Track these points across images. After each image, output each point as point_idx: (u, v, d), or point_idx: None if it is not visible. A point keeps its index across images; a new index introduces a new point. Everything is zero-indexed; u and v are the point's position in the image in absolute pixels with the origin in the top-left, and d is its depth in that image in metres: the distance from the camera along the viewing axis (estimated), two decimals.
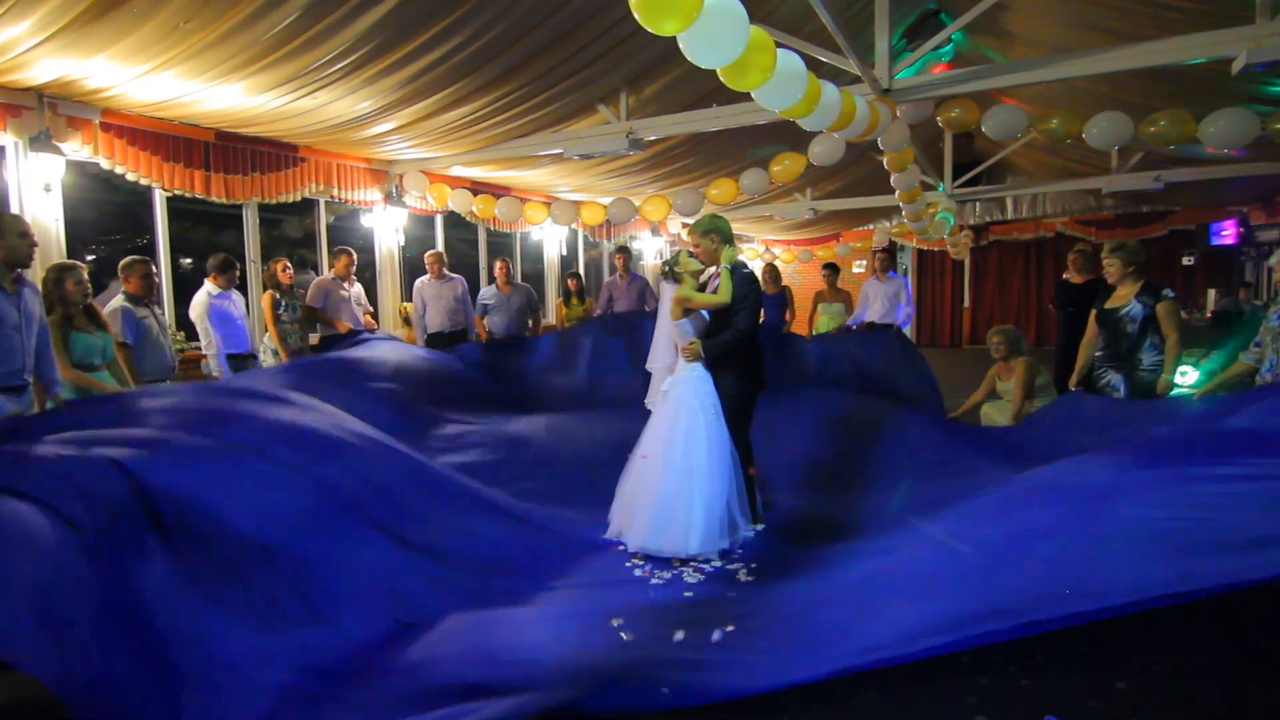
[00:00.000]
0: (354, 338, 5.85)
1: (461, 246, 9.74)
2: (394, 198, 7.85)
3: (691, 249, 3.96)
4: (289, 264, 5.89)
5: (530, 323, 7.17)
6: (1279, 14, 4.33)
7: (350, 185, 7.33)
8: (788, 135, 6.74)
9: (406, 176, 7.78)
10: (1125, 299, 4.28)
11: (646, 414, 3.89)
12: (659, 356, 3.99)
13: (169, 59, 4.30)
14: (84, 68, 4.34)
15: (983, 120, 6.16)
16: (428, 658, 2.39)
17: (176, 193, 5.77)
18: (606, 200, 8.65)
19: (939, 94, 5.50)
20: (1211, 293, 12.32)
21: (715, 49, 2.95)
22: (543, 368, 6.27)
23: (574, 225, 9.39)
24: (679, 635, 2.47)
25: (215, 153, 5.95)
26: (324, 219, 7.56)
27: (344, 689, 2.31)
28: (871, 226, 15.34)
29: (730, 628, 2.47)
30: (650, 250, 12.95)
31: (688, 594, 3.09)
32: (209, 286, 5.26)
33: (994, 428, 5.23)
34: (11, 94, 4.66)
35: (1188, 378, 4.11)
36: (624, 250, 7.86)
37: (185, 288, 6.44)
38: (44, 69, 4.33)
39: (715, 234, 3.84)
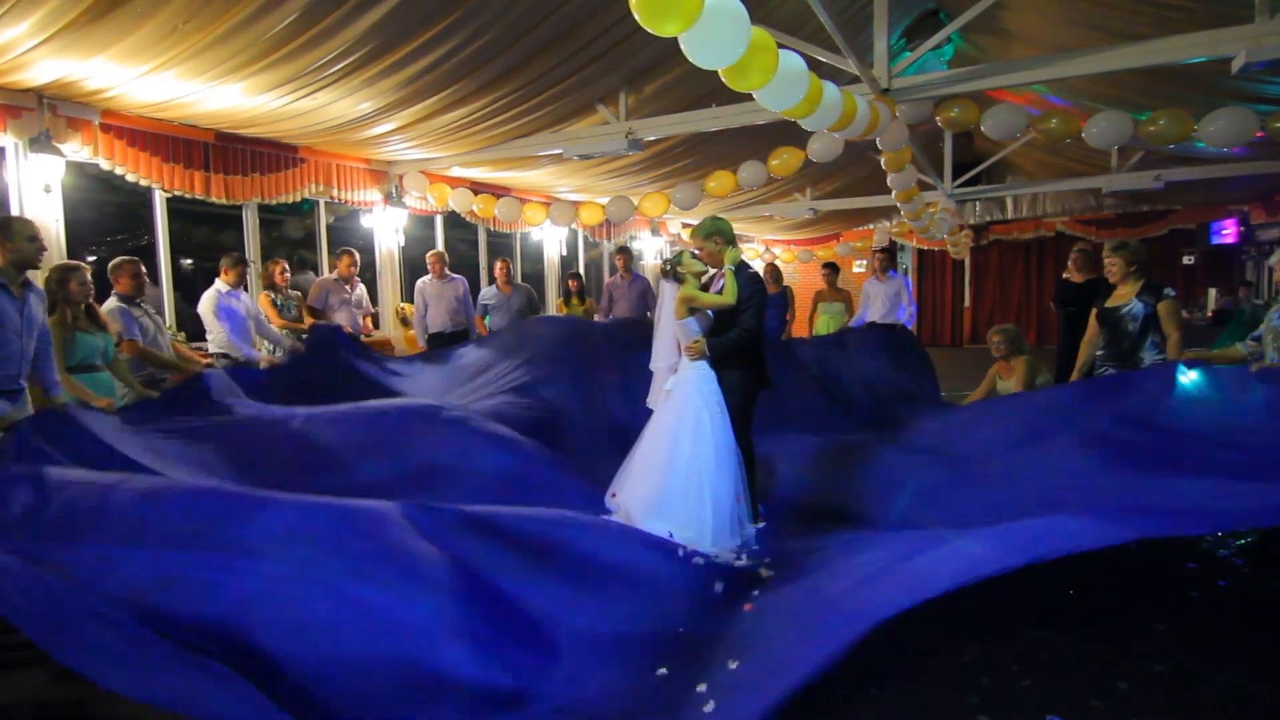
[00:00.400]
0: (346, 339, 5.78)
1: (461, 247, 9.74)
2: (394, 198, 7.85)
3: (695, 250, 3.96)
4: (286, 266, 5.90)
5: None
6: (1278, 13, 4.33)
7: (350, 186, 7.33)
8: (787, 134, 6.74)
9: (406, 177, 7.78)
10: (1126, 298, 4.28)
11: (648, 412, 3.90)
12: (661, 356, 3.99)
13: (169, 60, 4.30)
14: (84, 69, 4.35)
15: (982, 120, 6.16)
16: None
17: (176, 193, 5.77)
18: (605, 200, 8.65)
19: (938, 94, 5.51)
20: (1212, 292, 12.33)
21: (716, 50, 2.95)
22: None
23: (573, 226, 9.39)
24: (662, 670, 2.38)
25: (215, 153, 5.96)
26: (324, 219, 7.56)
27: None
28: (871, 226, 15.35)
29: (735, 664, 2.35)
30: (650, 250, 12.94)
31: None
32: (219, 284, 5.31)
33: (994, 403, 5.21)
34: (11, 95, 4.66)
35: (1188, 377, 4.11)
36: (625, 251, 7.86)
37: (186, 288, 6.45)
38: (44, 70, 4.34)
39: (719, 235, 3.85)
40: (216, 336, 5.23)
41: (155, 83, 4.63)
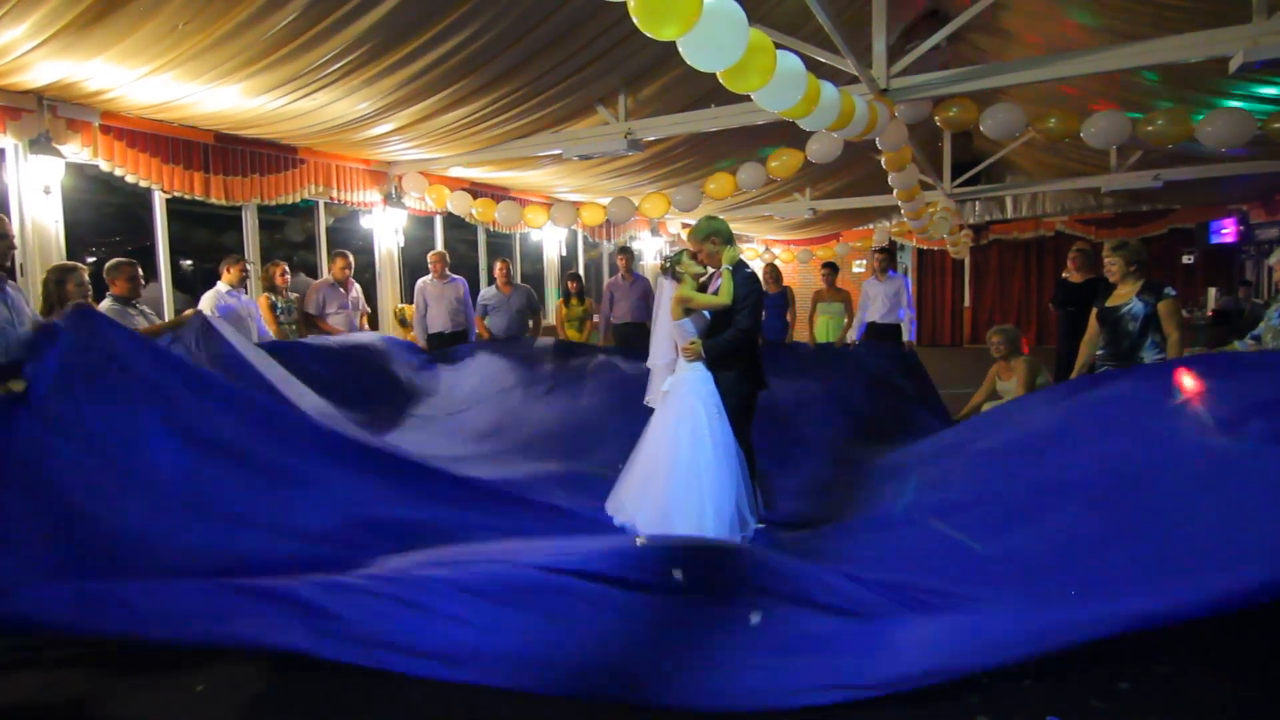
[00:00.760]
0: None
1: (461, 247, 9.74)
2: (393, 199, 7.85)
3: (693, 251, 3.96)
4: (287, 268, 5.91)
5: (530, 323, 7.17)
6: (1276, 13, 4.33)
7: (349, 186, 7.33)
8: (786, 134, 6.74)
9: (406, 178, 7.78)
10: (1126, 297, 4.28)
11: (648, 411, 3.91)
12: (659, 354, 4.00)
13: (168, 61, 4.30)
14: (83, 70, 4.35)
15: (981, 119, 6.16)
16: None
17: (176, 194, 5.77)
18: (606, 201, 8.65)
19: (937, 93, 5.50)
20: (1212, 291, 12.32)
21: (715, 52, 2.94)
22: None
23: (573, 226, 9.39)
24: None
25: (215, 154, 5.96)
26: (323, 220, 7.56)
27: None
28: (871, 226, 15.35)
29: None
30: (650, 250, 12.95)
31: None
32: (220, 285, 5.35)
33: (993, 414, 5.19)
34: (11, 96, 4.66)
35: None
36: (626, 251, 7.86)
37: (186, 289, 6.45)
38: (43, 71, 4.34)
39: (715, 236, 3.85)
40: None
41: (155, 84, 4.63)
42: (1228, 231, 12.95)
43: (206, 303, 5.28)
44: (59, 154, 4.92)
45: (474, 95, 5.60)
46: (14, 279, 3.47)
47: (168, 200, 5.95)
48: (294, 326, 5.87)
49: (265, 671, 2.54)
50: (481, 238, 9.69)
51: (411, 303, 7.16)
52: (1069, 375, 4.80)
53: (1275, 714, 2.26)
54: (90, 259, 6.52)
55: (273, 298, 5.76)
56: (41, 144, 4.79)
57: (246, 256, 6.30)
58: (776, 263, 11.74)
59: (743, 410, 3.79)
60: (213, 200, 6.01)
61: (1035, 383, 5.31)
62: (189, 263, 7.55)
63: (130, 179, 5.40)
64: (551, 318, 9.24)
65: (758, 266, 12.67)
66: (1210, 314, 11.51)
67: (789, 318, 7.70)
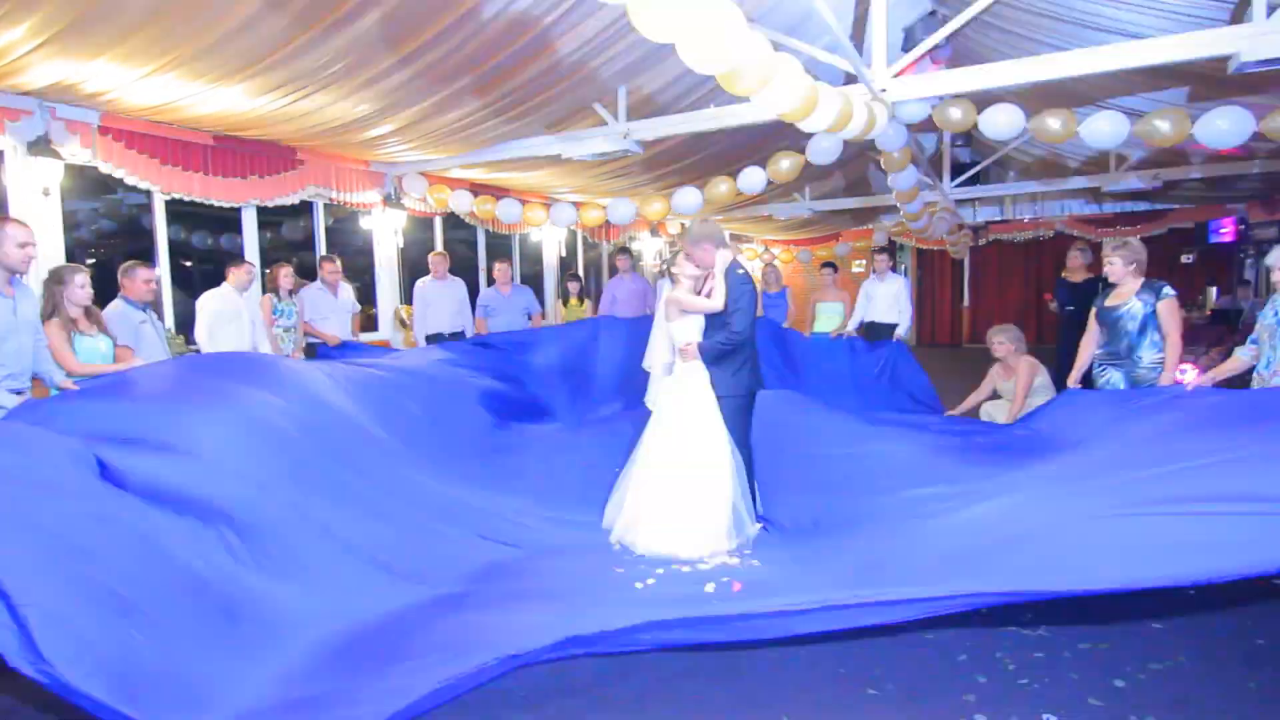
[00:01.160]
0: (340, 351, 5.81)
1: (460, 248, 9.74)
2: (392, 200, 7.85)
3: (688, 255, 3.96)
4: (290, 270, 5.90)
5: (530, 324, 7.18)
6: (1275, 12, 4.33)
7: (349, 187, 7.33)
8: (785, 134, 6.75)
9: (405, 179, 7.79)
10: (1126, 297, 4.29)
11: (647, 413, 3.91)
12: (656, 355, 4.00)
13: (167, 62, 4.30)
14: (82, 71, 4.35)
15: (980, 120, 6.14)
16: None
17: (175, 196, 5.78)
18: (605, 201, 8.65)
19: (936, 94, 5.50)
20: (1211, 290, 12.33)
21: (712, 55, 2.95)
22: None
23: (573, 226, 9.39)
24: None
25: (214, 155, 5.96)
26: (322, 221, 7.56)
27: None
28: (871, 226, 15.35)
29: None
30: (650, 250, 12.95)
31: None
32: (223, 285, 5.40)
33: (990, 424, 5.22)
34: (10, 98, 4.66)
35: (1187, 376, 4.11)
36: (626, 251, 7.87)
37: (186, 290, 6.45)
38: (42, 73, 4.34)
39: (706, 242, 3.83)
40: (205, 337, 5.28)
41: (154, 85, 4.63)
42: (1226, 231, 12.96)
43: (205, 304, 5.29)
44: (58, 155, 4.93)
45: (473, 96, 5.60)
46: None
47: (167, 201, 5.96)
48: (292, 330, 5.87)
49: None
50: (481, 238, 9.69)
51: (411, 303, 7.16)
52: (1068, 375, 4.81)
53: (1269, 712, 2.27)
54: (90, 261, 6.53)
55: (275, 300, 5.76)
56: (40, 145, 4.80)
57: (246, 258, 6.30)
58: (776, 263, 11.75)
59: (741, 411, 3.79)
60: (212, 201, 6.02)
61: (1035, 383, 5.31)
62: (188, 264, 7.55)
63: (129, 180, 5.40)
64: (551, 318, 9.24)
65: (757, 266, 12.69)
66: (1209, 313, 11.51)
67: (788, 317, 7.72)
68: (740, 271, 3.81)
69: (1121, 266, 4.31)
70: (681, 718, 2.37)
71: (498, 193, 8.94)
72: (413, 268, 8.11)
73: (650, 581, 3.02)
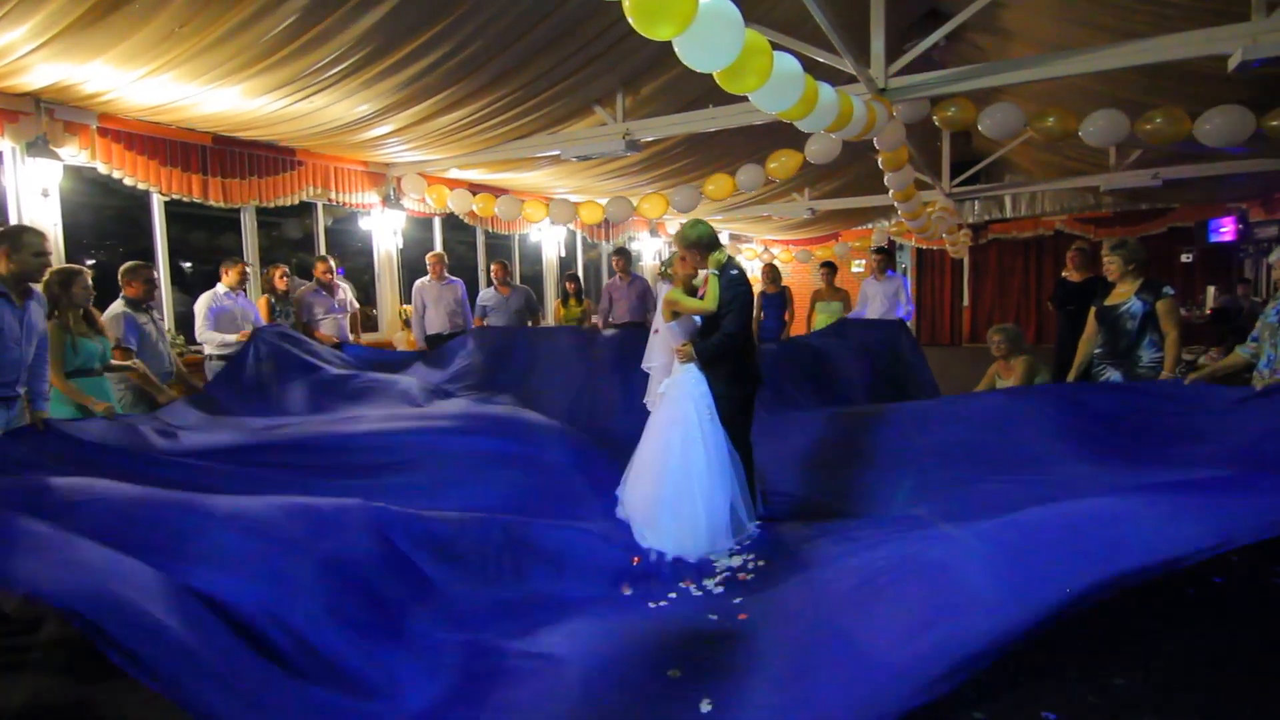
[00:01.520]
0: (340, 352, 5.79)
1: (460, 248, 9.74)
2: (392, 200, 7.85)
3: (683, 257, 3.95)
4: (287, 270, 5.90)
5: (529, 324, 7.18)
6: (1275, 10, 4.33)
7: (348, 188, 7.34)
8: (784, 135, 6.75)
9: (404, 179, 7.79)
10: (1125, 296, 4.29)
11: (646, 413, 3.92)
12: (655, 355, 4.01)
13: (166, 63, 4.30)
14: (81, 72, 4.35)
15: (979, 119, 6.15)
16: None
17: (174, 196, 5.78)
18: (604, 200, 8.65)
19: (935, 93, 5.50)
20: (1211, 290, 12.32)
21: (710, 53, 2.95)
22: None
23: (572, 226, 9.39)
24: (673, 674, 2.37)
25: (213, 156, 5.96)
26: (322, 222, 7.57)
27: None
28: (870, 225, 15.35)
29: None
30: (649, 251, 12.95)
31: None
32: (219, 287, 5.39)
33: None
34: (9, 99, 4.66)
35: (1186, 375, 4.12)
36: (623, 252, 7.87)
37: (186, 291, 6.45)
38: (41, 74, 4.34)
39: (698, 245, 3.81)
40: (203, 335, 5.30)
41: (153, 86, 4.63)
42: (1226, 230, 12.95)
43: (202, 304, 5.30)
44: (57, 156, 4.93)
45: (472, 96, 5.60)
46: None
47: (166, 202, 5.96)
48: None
49: None
50: (480, 239, 9.69)
51: (410, 304, 7.16)
52: (1068, 374, 4.81)
53: (1268, 710, 2.27)
54: (89, 262, 6.52)
55: (272, 301, 5.77)
56: (39, 146, 4.80)
57: (246, 258, 6.31)
58: (775, 263, 11.75)
59: (738, 411, 3.79)
60: (211, 202, 6.01)
61: (1034, 382, 5.31)
62: (188, 264, 7.54)
63: (128, 181, 5.41)
64: (550, 318, 9.25)
65: (757, 266, 12.69)
66: (1209, 312, 11.50)
67: (787, 317, 7.72)
68: (734, 272, 3.79)
69: (1120, 266, 4.31)
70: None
71: (497, 193, 8.94)
72: (412, 268, 8.11)
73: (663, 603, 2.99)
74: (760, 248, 16.14)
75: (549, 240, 10.70)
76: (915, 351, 6.49)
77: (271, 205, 6.58)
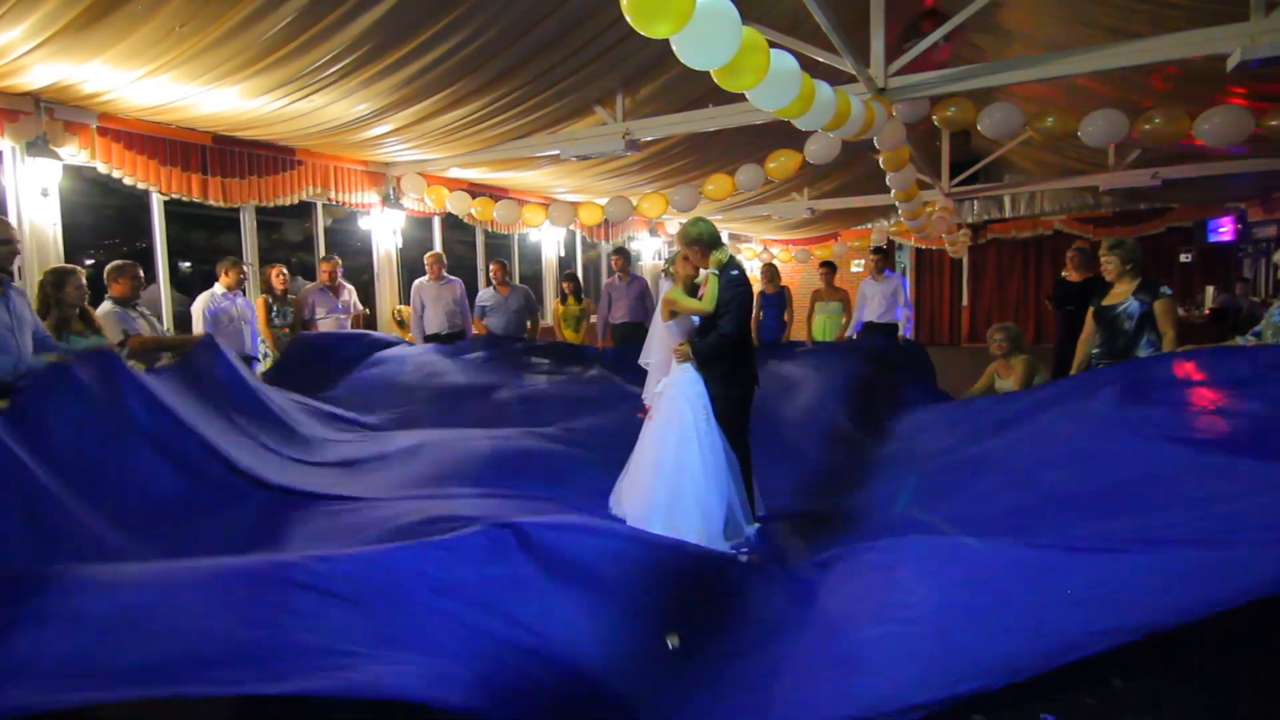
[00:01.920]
0: None
1: (459, 248, 9.74)
2: (391, 200, 7.85)
3: (685, 256, 3.96)
4: (285, 270, 5.91)
5: (529, 324, 7.18)
6: (1274, 10, 4.33)
7: (347, 188, 7.33)
8: (784, 135, 6.75)
9: (404, 179, 7.79)
10: (1123, 296, 4.29)
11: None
12: (654, 352, 4.01)
13: (166, 62, 4.30)
14: (81, 72, 4.35)
15: (979, 119, 6.15)
16: None
17: (174, 196, 5.78)
18: (603, 200, 8.66)
19: (935, 92, 5.50)
20: (1209, 290, 12.32)
21: (708, 51, 2.95)
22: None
23: (572, 226, 9.38)
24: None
25: (212, 156, 5.96)
26: (321, 222, 7.57)
27: None
28: (869, 225, 15.35)
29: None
30: (649, 251, 12.95)
31: None
32: (216, 288, 5.39)
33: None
34: (8, 99, 4.66)
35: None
36: (622, 252, 7.87)
37: (185, 290, 6.45)
38: (41, 73, 4.34)
39: (699, 243, 3.82)
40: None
41: (152, 86, 4.63)
42: (1225, 230, 12.95)
43: (199, 305, 5.29)
44: (56, 156, 4.93)
45: (471, 96, 5.60)
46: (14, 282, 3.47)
47: (165, 202, 5.96)
48: (289, 331, 5.87)
49: None
50: (480, 239, 9.69)
51: (409, 304, 7.17)
52: (1067, 374, 4.81)
53: (1268, 712, 2.26)
54: (88, 261, 6.53)
55: (270, 300, 5.78)
56: (39, 146, 4.80)
57: (245, 259, 6.31)
58: (775, 262, 11.74)
59: (736, 412, 3.79)
60: (211, 202, 6.01)
61: (1033, 382, 5.30)
62: (187, 264, 7.56)
63: (128, 181, 5.40)
64: (549, 318, 9.26)
65: (756, 266, 12.68)
66: (1208, 312, 11.50)
67: (786, 317, 7.72)
68: (735, 273, 3.79)
69: (1118, 266, 4.31)
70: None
71: (496, 193, 8.94)
72: (412, 268, 8.11)
73: None
74: (760, 247, 16.15)
75: (548, 240, 10.70)
76: (922, 360, 6.51)
77: (271, 205, 6.58)
